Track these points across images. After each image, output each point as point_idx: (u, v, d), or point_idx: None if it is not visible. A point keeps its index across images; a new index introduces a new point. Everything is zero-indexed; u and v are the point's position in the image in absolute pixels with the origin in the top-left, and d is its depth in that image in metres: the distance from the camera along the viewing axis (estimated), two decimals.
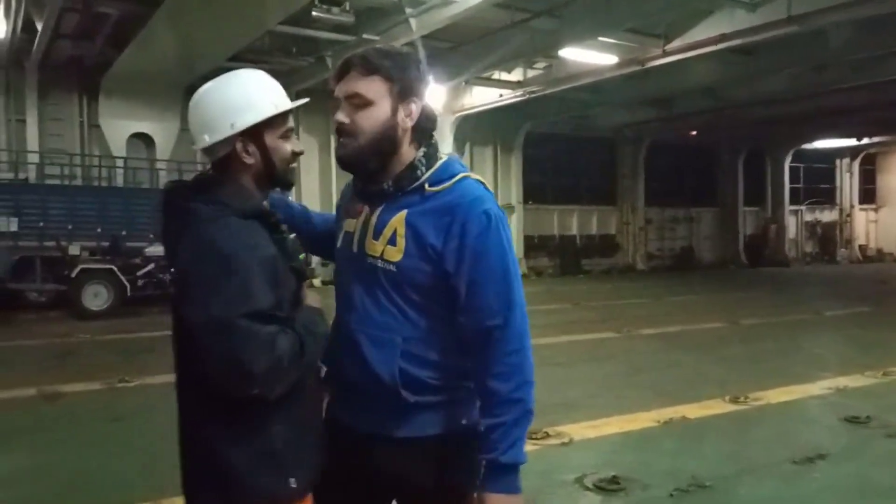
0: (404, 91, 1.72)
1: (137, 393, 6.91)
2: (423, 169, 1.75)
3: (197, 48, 14.38)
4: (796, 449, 4.92)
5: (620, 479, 4.26)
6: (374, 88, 1.70)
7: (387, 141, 1.72)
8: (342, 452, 1.80)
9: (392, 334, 1.72)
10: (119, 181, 16.70)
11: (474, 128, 21.09)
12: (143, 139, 17.55)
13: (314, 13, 12.74)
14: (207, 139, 1.70)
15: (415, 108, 1.74)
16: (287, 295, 1.65)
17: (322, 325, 1.72)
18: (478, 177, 1.79)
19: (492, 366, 1.69)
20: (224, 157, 1.72)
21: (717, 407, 6.13)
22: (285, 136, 1.77)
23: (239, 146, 1.71)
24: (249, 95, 1.71)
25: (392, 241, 1.71)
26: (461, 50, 15.20)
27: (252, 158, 1.73)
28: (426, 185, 1.73)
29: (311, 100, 1.92)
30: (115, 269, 13.30)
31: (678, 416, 5.77)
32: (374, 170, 1.75)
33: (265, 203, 1.78)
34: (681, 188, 27.77)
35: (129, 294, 13.37)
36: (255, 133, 1.71)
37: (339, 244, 1.87)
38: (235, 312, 1.50)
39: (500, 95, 18.20)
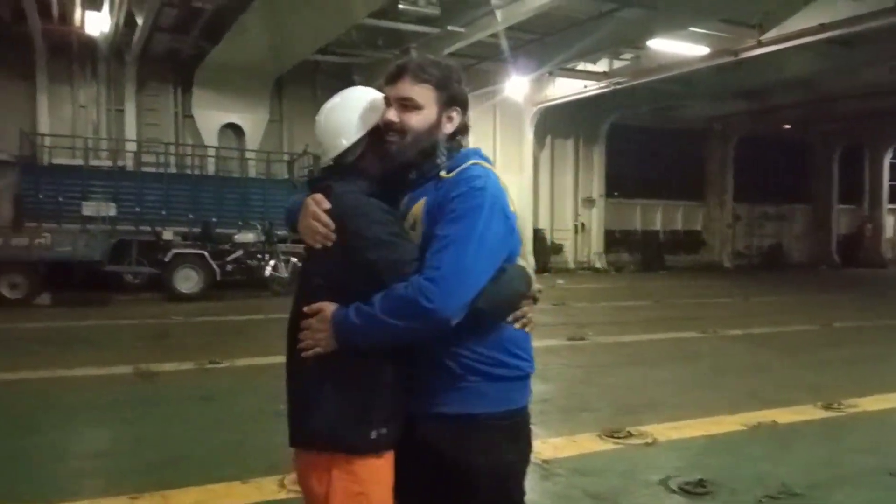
0: (449, 101, 1.94)
1: (226, 374, 7.18)
2: (444, 158, 1.93)
3: (287, 41, 14.76)
4: (893, 459, 4.68)
5: (707, 483, 4.14)
6: (424, 95, 1.91)
7: (429, 139, 1.92)
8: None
9: None
10: (210, 170, 17.34)
11: (556, 120, 20.86)
12: (234, 129, 18.15)
13: (401, 6, 12.88)
14: (345, 142, 1.96)
15: (456, 116, 1.96)
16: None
17: (517, 279, 1.89)
18: (488, 165, 1.93)
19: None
20: (355, 157, 1.98)
21: (809, 413, 5.88)
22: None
23: (366, 148, 1.98)
24: (372, 101, 1.99)
25: (413, 228, 1.89)
26: (546, 41, 15.04)
27: (371, 159, 1.99)
28: (441, 173, 1.90)
29: None
30: (206, 254, 13.82)
31: (767, 420, 5.56)
32: (420, 162, 1.93)
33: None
34: (771, 184, 26.74)
35: (217, 278, 13.88)
36: (370, 136, 1.98)
37: None
38: (391, 231, 1.82)
39: (585, 87, 17.92)
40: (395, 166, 1.94)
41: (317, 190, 1.98)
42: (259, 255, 14.41)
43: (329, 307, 1.83)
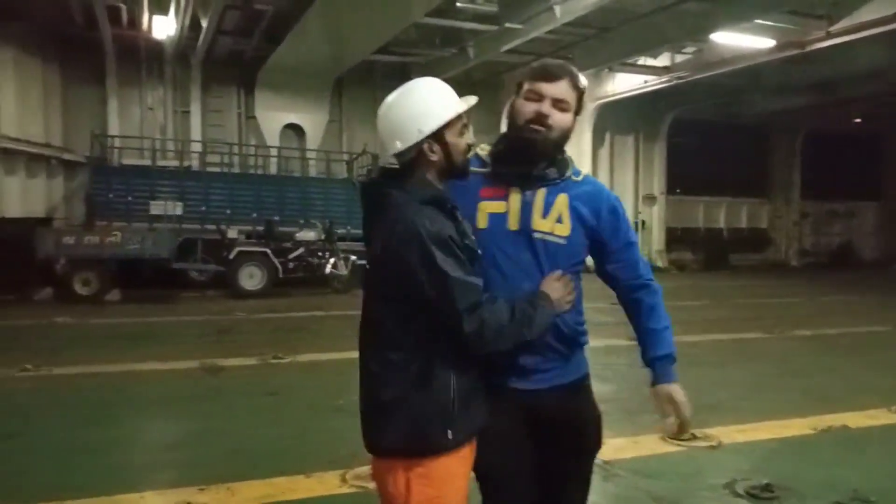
0: (580, 106, 2.19)
1: (289, 369, 7.32)
2: (571, 163, 2.25)
3: (346, 42, 14.94)
4: None
5: (774, 487, 4.04)
6: (573, 99, 2.14)
7: (566, 139, 2.18)
8: (512, 415, 2.12)
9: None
10: (273, 170, 17.69)
11: (616, 116, 20.56)
12: (295, 130, 18.47)
13: (458, 3, 12.89)
14: (399, 145, 1.98)
15: (576, 118, 2.21)
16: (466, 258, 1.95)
17: (540, 309, 2.02)
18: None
19: (649, 299, 2.29)
20: (410, 161, 2.02)
21: (882, 417, 5.67)
22: (461, 132, 2.04)
23: (426, 147, 1.99)
24: (430, 103, 2.00)
25: (559, 220, 2.13)
26: (605, 36, 14.85)
27: (436, 156, 2.01)
28: (573, 176, 2.22)
29: (462, 92, 2.02)
30: (269, 252, 14.11)
31: (838, 424, 5.39)
32: (553, 157, 2.17)
33: (444, 192, 2.04)
34: (840, 180, 25.77)
35: (280, 276, 14.16)
36: (437, 134, 1.98)
37: (485, 225, 2.12)
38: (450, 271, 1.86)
39: (645, 82, 17.62)
40: (534, 155, 2.12)
41: (372, 196, 2.04)
42: (320, 254, 14.63)
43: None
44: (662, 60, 16.92)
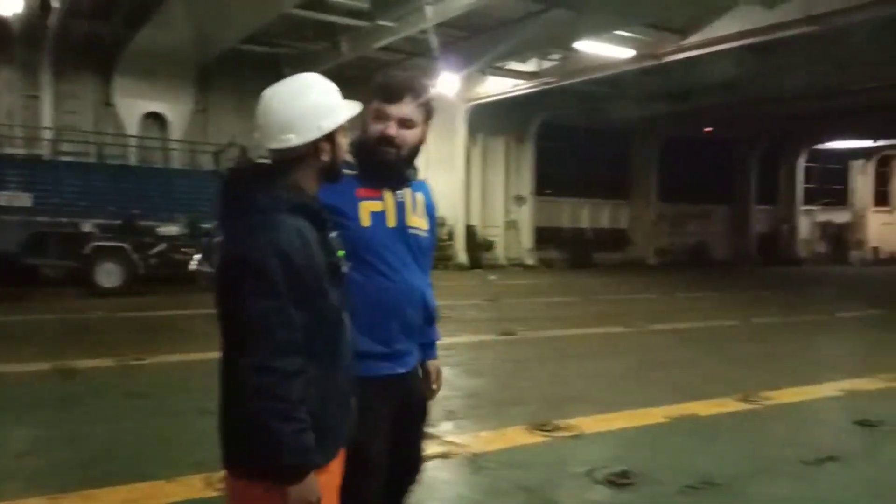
0: (428, 117, 2.27)
1: (151, 371, 6.95)
2: None
3: (212, 29, 14.41)
4: (808, 450, 4.89)
5: (631, 474, 4.24)
6: (418, 114, 2.22)
7: (418, 150, 2.28)
8: (390, 399, 2.26)
9: (428, 281, 2.37)
10: (132, 160, 16.76)
11: (488, 118, 21.01)
12: (157, 119, 17.59)
13: None
14: (294, 139, 1.84)
15: (427, 128, 2.29)
16: (313, 286, 1.80)
17: (295, 444, 1.74)
18: None
19: (430, 292, 2.40)
20: (294, 157, 1.88)
21: (729, 405, 6.09)
22: (345, 134, 1.98)
23: (321, 144, 1.89)
24: (330, 100, 1.92)
25: (421, 216, 2.33)
26: (476, 39, 15.13)
27: (326, 155, 1.92)
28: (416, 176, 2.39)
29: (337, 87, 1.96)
30: (127, 247, 13.36)
31: (689, 413, 5.74)
32: (406, 170, 2.29)
33: (317, 199, 1.95)
34: (695, 184, 27.61)
35: (140, 272, 13.44)
36: (331, 134, 1.90)
37: (368, 223, 2.20)
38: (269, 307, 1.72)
39: (515, 86, 18.12)
40: (390, 171, 2.22)
41: (234, 190, 1.88)
42: (184, 249, 14.01)
43: None
44: (531, 66, 17.46)
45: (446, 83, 16.69)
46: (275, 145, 1.85)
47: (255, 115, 1.87)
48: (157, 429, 5.08)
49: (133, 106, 17.15)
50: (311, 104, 1.87)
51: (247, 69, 17.90)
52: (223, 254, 1.83)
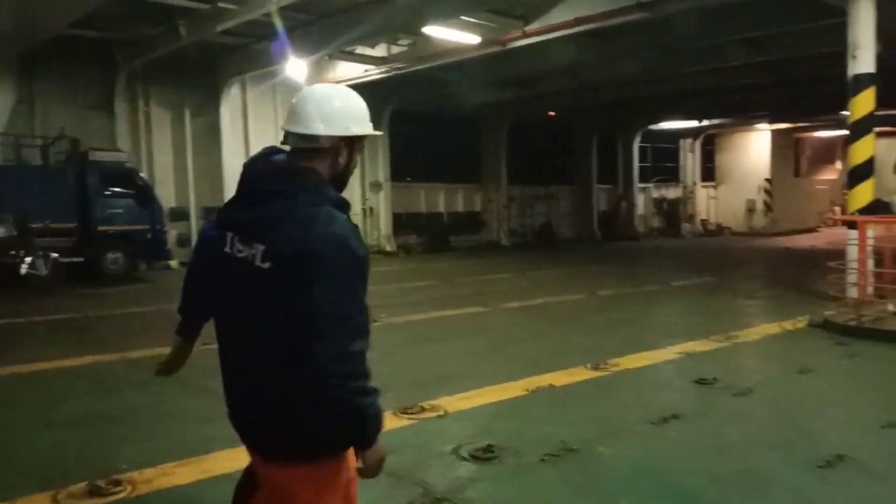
0: None
1: None
2: None
3: (35, 11, 13.24)
4: (653, 410, 5.26)
5: (495, 448, 4.39)
6: None
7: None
8: None
9: None
10: None
11: None
12: None
13: None
14: (322, 129, 1.98)
15: None
16: (367, 273, 1.97)
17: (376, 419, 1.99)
18: None
19: None
20: (317, 149, 2.00)
21: (581, 374, 6.44)
22: (360, 152, 2.13)
23: (342, 145, 2.02)
24: (364, 111, 2.09)
25: None
26: (323, 23, 14.86)
27: (343, 160, 2.04)
28: None
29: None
30: None
31: (545, 384, 6.02)
32: None
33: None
34: (541, 167, 28.69)
35: None
36: (354, 141, 2.05)
37: None
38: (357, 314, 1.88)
39: (365, 71, 18.00)
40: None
41: (272, 185, 1.96)
42: (13, 252, 12.86)
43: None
44: (381, 51, 17.40)
45: (294, 68, 16.30)
46: (302, 130, 1.98)
47: (292, 105, 2.03)
48: None
49: None
50: (348, 108, 2.04)
51: (78, 56, 16.59)
52: (283, 245, 1.86)
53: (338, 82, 18.78)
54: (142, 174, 16.54)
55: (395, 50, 17.37)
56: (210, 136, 18.49)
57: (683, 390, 6.05)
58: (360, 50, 17.21)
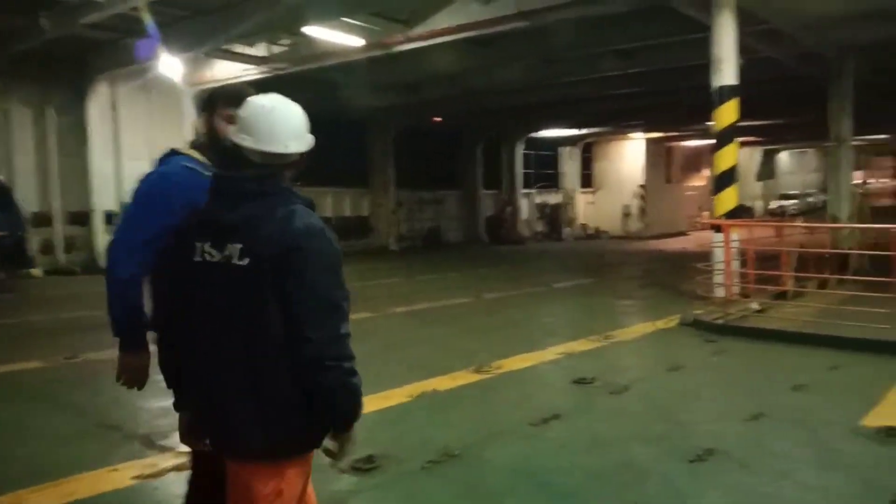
0: None
1: None
2: None
3: None
4: (534, 411, 5.31)
5: (376, 458, 4.28)
6: None
7: None
8: None
9: None
10: None
11: None
12: None
13: None
14: (294, 146, 2.18)
15: None
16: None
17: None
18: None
19: None
20: (285, 163, 2.17)
21: (465, 377, 6.43)
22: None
23: (301, 157, 2.23)
24: (306, 121, 2.28)
25: None
26: (199, 20, 14.27)
27: (300, 166, 2.24)
28: None
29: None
30: None
31: (429, 389, 5.96)
32: None
33: None
34: (429, 172, 28.81)
35: None
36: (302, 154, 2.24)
37: None
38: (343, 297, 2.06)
39: (244, 70, 17.42)
40: None
41: (254, 186, 2.08)
42: None
43: None
44: (260, 50, 16.90)
45: (169, 66, 15.56)
46: (277, 149, 2.13)
47: (249, 122, 2.15)
48: None
49: None
50: (305, 122, 2.25)
51: None
52: (264, 242, 1.98)
53: (216, 82, 18.24)
54: (0, 176, 15.32)
55: (277, 50, 16.91)
56: (77, 136, 17.35)
57: (563, 390, 6.16)
58: (240, 49, 16.65)
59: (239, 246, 1.98)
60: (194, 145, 2.56)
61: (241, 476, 2.11)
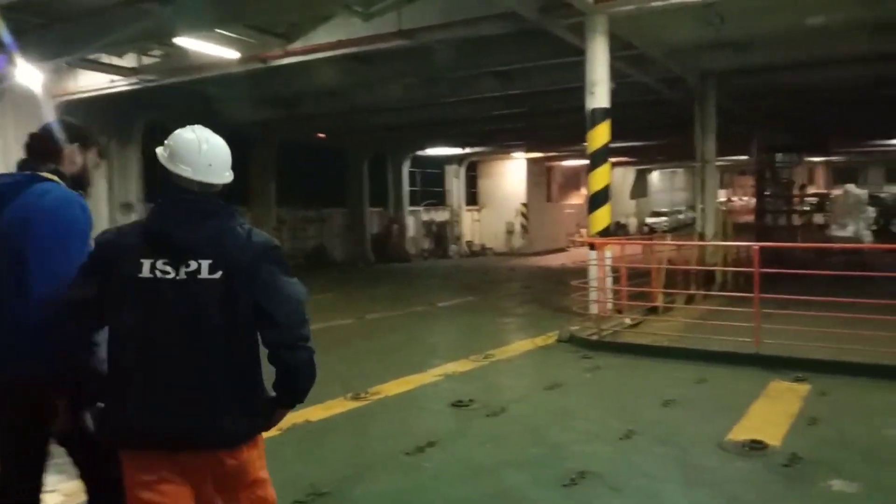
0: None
1: None
2: None
3: None
4: (410, 439, 5.15)
5: None
6: None
7: None
8: None
9: None
10: None
11: (85, 116, 18.73)
12: None
13: None
14: (229, 176, 2.50)
15: None
16: None
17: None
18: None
19: None
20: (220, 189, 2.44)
21: (340, 406, 6.19)
22: None
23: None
24: None
25: None
26: (59, 28, 13.35)
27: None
28: None
29: None
30: None
31: (302, 420, 5.67)
32: None
33: None
34: (312, 189, 28.24)
35: None
36: None
37: None
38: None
39: (112, 81, 16.48)
40: None
41: (211, 206, 2.38)
42: None
43: None
44: (130, 61, 16.03)
45: (28, 75, 14.46)
46: (220, 181, 2.44)
47: (183, 154, 2.37)
48: None
49: None
50: (228, 151, 2.53)
51: None
52: (234, 255, 2.25)
53: (81, 92, 17.18)
54: None
55: (147, 61, 16.09)
56: None
57: (441, 414, 6.03)
58: (107, 59, 15.73)
59: (208, 262, 2.21)
60: (58, 173, 2.67)
61: (228, 466, 2.36)
